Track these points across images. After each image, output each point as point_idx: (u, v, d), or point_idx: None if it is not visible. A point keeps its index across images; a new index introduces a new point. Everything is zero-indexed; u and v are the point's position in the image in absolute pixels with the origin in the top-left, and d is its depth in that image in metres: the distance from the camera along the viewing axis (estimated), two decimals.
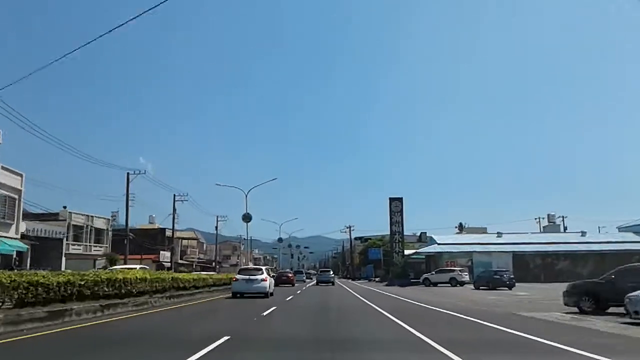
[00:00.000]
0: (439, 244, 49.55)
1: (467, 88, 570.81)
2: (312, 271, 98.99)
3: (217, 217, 77.23)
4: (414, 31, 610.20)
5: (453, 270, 41.99)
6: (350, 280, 78.33)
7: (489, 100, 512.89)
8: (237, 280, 23.16)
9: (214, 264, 78.66)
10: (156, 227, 69.43)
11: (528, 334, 9.57)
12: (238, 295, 22.72)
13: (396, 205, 53.34)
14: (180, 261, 65.98)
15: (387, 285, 49.21)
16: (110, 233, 55.22)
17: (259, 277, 22.83)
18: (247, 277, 22.86)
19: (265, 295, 22.55)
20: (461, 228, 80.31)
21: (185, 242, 76.29)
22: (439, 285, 41.81)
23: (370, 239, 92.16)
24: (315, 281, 50.63)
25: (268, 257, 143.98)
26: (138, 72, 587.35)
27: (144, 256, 57.81)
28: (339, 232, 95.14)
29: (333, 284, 45.93)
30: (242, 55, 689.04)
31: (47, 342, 8.51)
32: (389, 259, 71.22)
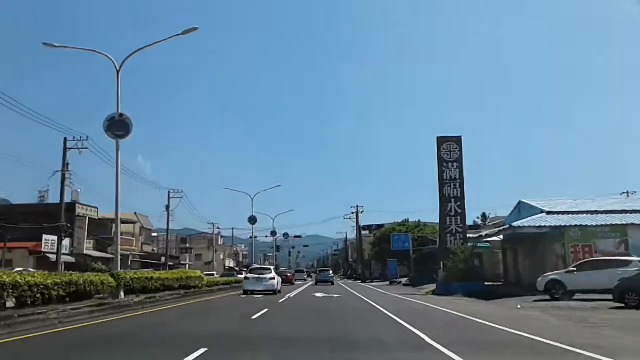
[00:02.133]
0: (549, 212, 24.85)
1: (464, 87, 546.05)
2: (307, 270, 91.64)
3: (169, 192, 54.10)
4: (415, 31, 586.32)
5: (626, 262, 17.96)
6: (359, 282, 54.17)
7: (486, 98, 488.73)
8: (247, 279, 25.50)
9: (163, 259, 55.09)
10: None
11: None
12: (249, 292, 24.09)
13: (449, 149, 29.30)
14: (95, 253, 42.12)
15: (439, 293, 25.86)
16: None
17: (268, 276, 25.01)
18: (257, 276, 25.05)
19: (273, 292, 24.03)
20: (484, 219, 63.15)
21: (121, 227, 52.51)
22: (575, 297, 18.31)
23: (382, 226, 68.64)
24: (314, 281, 49.38)
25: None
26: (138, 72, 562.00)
27: (11, 244, 34.27)
28: (343, 218, 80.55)
29: (332, 283, 45.71)
30: (243, 55, 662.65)
31: None
32: (420, 251, 47.85)
